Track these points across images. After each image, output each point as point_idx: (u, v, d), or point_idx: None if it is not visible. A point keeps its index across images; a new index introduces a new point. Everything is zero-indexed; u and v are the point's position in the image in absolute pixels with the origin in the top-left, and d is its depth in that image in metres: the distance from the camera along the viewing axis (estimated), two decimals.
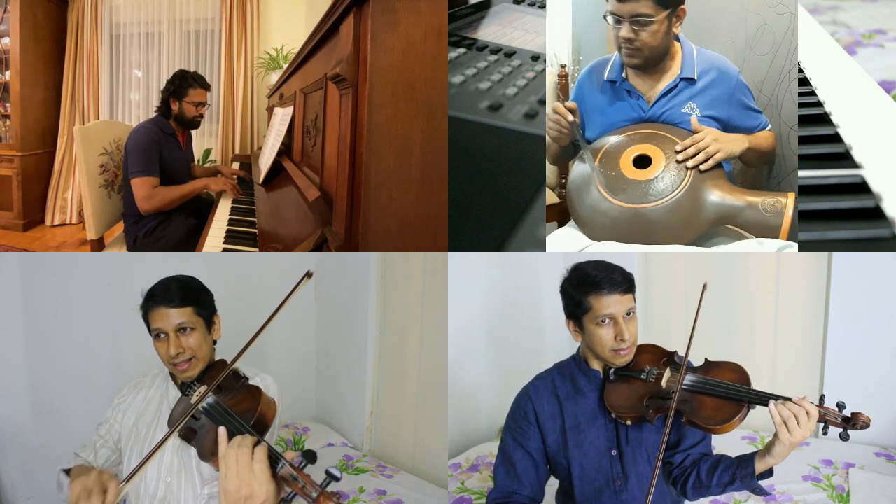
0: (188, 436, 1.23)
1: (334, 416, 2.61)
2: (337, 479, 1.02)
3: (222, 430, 1.10)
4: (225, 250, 2.29)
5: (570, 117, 1.54)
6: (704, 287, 1.36)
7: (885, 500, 1.90)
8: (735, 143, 1.52)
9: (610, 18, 1.51)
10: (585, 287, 1.34)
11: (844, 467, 2.07)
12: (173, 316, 1.36)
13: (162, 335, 1.36)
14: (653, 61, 1.55)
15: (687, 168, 1.47)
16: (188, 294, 1.39)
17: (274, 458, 1.07)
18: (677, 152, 1.48)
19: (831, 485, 1.99)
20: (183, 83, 2.89)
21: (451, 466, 2.17)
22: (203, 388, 1.28)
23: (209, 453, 1.17)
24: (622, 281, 1.33)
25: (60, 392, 2.08)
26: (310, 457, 1.05)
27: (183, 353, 1.35)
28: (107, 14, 4.90)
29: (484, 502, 2.00)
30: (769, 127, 1.62)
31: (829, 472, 2.05)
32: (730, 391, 1.29)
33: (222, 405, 1.23)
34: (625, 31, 1.50)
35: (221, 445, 1.08)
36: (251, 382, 1.33)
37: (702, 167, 1.47)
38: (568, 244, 1.49)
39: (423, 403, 2.27)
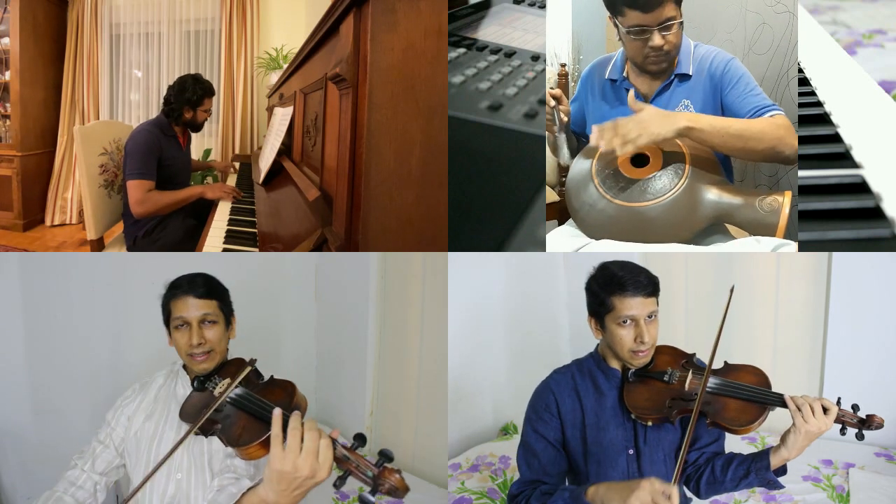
0: (206, 427, 1.23)
1: (334, 416, 2.61)
2: (391, 459, 1.05)
3: (277, 411, 1.11)
4: (225, 250, 2.29)
5: (552, 102, 1.53)
6: (732, 290, 1.35)
7: (886, 500, 1.91)
8: (663, 125, 1.39)
9: (632, 32, 1.47)
10: (611, 287, 1.33)
11: (844, 467, 2.07)
12: (199, 306, 1.38)
13: (183, 325, 1.37)
14: (673, 60, 1.53)
15: (601, 150, 1.42)
16: (214, 288, 1.42)
17: None
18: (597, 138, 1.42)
19: (831, 485, 1.99)
20: (202, 92, 2.92)
21: (451, 466, 2.17)
22: (227, 381, 1.30)
23: (237, 442, 1.18)
24: (647, 284, 1.33)
25: (60, 392, 2.08)
26: (361, 439, 1.08)
27: (203, 345, 1.37)
28: (107, 14, 4.90)
29: (484, 502, 2.01)
30: (770, 113, 1.48)
31: (829, 472, 2.05)
32: (753, 393, 1.31)
33: (253, 394, 1.24)
34: (657, 40, 1.46)
35: (276, 426, 1.09)
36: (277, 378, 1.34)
37: (618, 150, 1.40)
38: (567, 243, 1.49)
39: (423, 403, 2.27)
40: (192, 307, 1.37)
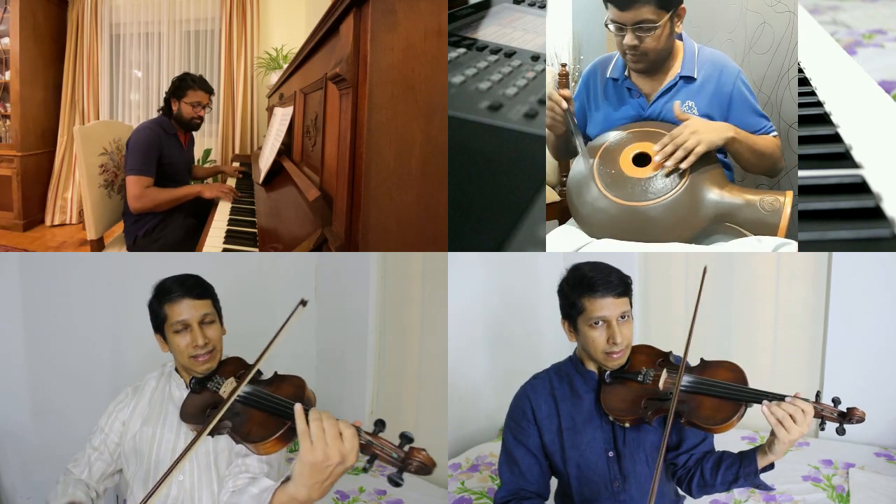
0: (215, 427, 1.22)
1: (334, 416, 2.61)
2: (412, 440, 1.08)
3: (299, 407, 1.11)
4: (225, 250, 2.29)
5: (564, 104, 1.53)
6: (705, 271, 1.34)
7: (885, 500, 1.91)
8: (716, 132, 1.45)
9: (612, 26, 1.49)
10: (580, 288, 1.34)
11: (844, 467, 2.07)
12: (198, 307, 1.38)
13: (184, 328, 1.37)
14: (657, 64, 1.54)
15: (665, 167, 1.43)
16: (206, 287, 1.42)
17: None
18: (656, 152, 1.45)
19: (831, 485, 1.99)
20: (182, 84, 2.92)
21: (451, 466, 2.17)
22: (231, 380, 1.30)
23: (252, 438, 1.18)
24: (618, 284, 1.33)
25: (60, 392, 2.08)
26: (381, 425, 1.10)
27: (208, 345, 1.37)
28: (107, 14, 4.90)
29: (484, 502, 2.00)
30: (774, 134, 1.57)
31: (829, 472, 2.05)
32: (727, 391, 1.30)
33: (263, 391, 1.24)
34: (629, 38, 1.48)
35: (301, 421, 1.10)
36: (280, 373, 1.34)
37: (682, 165, 1.42)
38: (567, 242, 1.49)
39: (423, 403, 2.27)
40: (192, 308, 1.37)
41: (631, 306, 1.35)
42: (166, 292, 1.39)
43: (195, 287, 1.39)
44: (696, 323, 1.33)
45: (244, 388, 1.25)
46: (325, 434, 1.07)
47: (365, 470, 1.10)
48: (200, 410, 1.28)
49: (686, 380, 1.32)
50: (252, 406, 1.23)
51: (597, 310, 1.32)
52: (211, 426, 1.20)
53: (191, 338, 1.36)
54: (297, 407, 1.11)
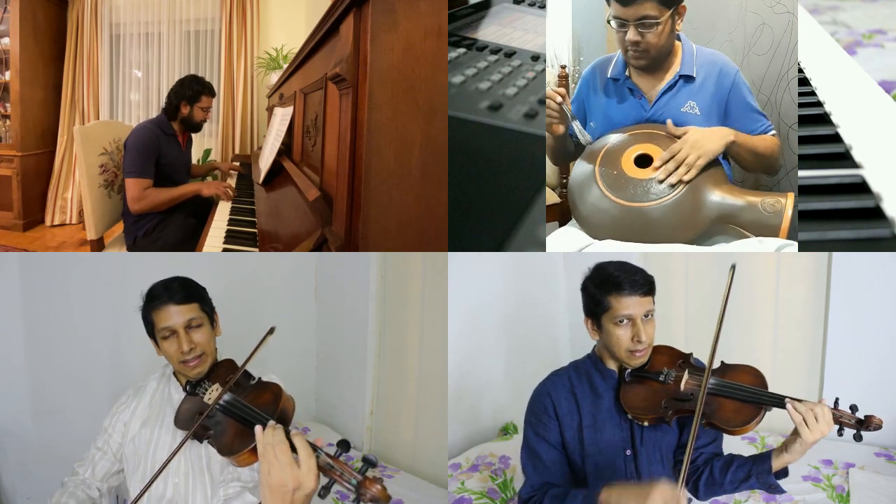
0: (199, 433, 1.23)
1: (334, 416, 2.61)
2: (374, 465, 1.03)
3: (259, 430, 1.10)
4: (225, 250, 2.29)
5: (559, 99, 1.54)
6: (733, 268, 1.33)
7: (885, 500, 1.90)
8: (715, 141, 1.48)
9: (614, 23, 1.50)
10: (607, 286, 1.34)
11: (844, 467, 2.06)
12: (182, 312, 1.36)
13: (170, 334, 1.36)
14: (658, 61, 1.55)
15: (670, 185, 1.45)
16: (192, 291, 1.40)
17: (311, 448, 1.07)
18: (656, 169, 1.46)
19: (831, 485, 1.99)
20: (199, 89, 2.94)
21: (451, 466, 2.17)
22: (216, 386, 1.30)
23: (228, 450, 1.18)
24: (643, 283, 1.33)
25: (60, 392, 2.08)
26: (344, 446, 1.06)
27: (194, 349, 1.36)
28: (107, 14, 4.90)
29: (484, 502, 2.00)
30: (772, 132, 1.59)
31: (829, 472, 2.05)
32: (749, 394, 1.31)
33: (241, 400, 1.23)
34: (631, 34, 1.49)
35: (261, 443, 1.08)
36: (265, 380, 1.34)
37: (685, 178, 1.44)
38: (569, 243, 1.49)
39: (423, 403, 2.27)
40: (176, 314, 1.36)
41: (654, 306, 1.36)
42: (151, 299, 1.38)
43: (179, 291, 1.38)
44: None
45: (225, 396, 1.25)
46: (278, 460, 1.04)
47: (321, 496, 1.05)
48: (190, 416, 1.28)
49: (709, 382, 1.33)
50: (230, 416, 1.23)
51: (623, 308, 1.32)
52: (188, 436, 1.20)
53: (177, 344, 1.35)
54: (257, 429, 1.10)
